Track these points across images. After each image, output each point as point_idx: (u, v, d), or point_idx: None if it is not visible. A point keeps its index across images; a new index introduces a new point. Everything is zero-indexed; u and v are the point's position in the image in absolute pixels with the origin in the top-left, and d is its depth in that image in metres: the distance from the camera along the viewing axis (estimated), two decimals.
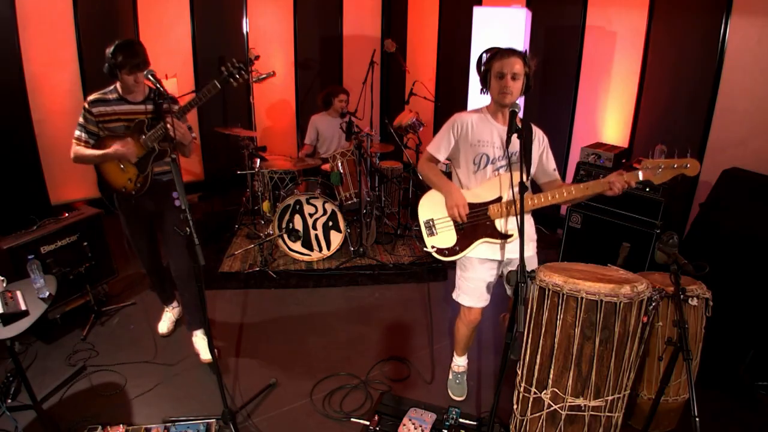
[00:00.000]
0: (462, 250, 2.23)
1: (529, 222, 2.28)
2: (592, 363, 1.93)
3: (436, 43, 5.66)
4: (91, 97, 2.45)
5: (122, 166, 2.51)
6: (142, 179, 2.53)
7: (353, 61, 5.98)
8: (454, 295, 2.40)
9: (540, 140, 2.27)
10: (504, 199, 2.18)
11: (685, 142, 3.60)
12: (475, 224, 2.21)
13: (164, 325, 3.05)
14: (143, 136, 2.45)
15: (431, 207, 2.29)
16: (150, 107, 2.47)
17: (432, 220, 2.27)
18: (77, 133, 2.47)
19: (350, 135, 4.06)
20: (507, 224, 2.18)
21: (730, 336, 2.70)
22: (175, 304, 3.12)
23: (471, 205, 2.19)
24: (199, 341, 2.80)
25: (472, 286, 2.31)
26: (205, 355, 2.73)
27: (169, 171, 2.57)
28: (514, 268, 1.93)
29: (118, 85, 2.45)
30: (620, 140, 4.03)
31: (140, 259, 2.84)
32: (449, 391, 2.62)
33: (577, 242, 3.66)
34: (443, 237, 2.25)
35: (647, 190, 3.26)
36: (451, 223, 2.24)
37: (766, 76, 3.15)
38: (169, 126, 2.23)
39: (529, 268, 1.93)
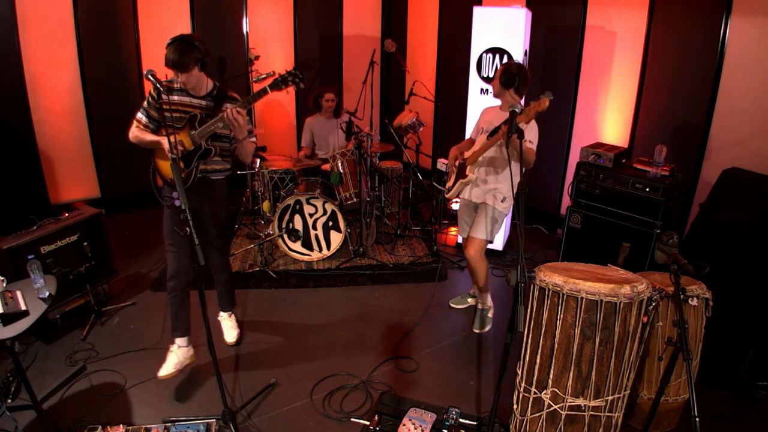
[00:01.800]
0: (451, 188, 3.08)
1: (490, 177, 2.94)
2: (592, 363, 1.93)
3: (436, 43, 5.66)
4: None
5: None
6: (186, 174, 2.48)
7: (353, 61, 5.99)
8: None
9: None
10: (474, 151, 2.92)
11: (685, 142, 3.61)
12: (460, 170, 3.00)
13: (167, 367, 2.58)
14: (193, 131, 2.41)
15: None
16: (209, 103, 2.46)
17: (451, 172, 3.16)
18: (138, 115, 2.46)
19: (350, 135, 4.06)
20: (472, 168, 2.92)
21: (730, 336, 2.70)
22: (183, 342, 2.66)
23: (464, 159, 2.98)
24: (223, 322, 3.05)
25: (459, 222, 3.25)
26: (227, 337, 2.98)
27: (220, 170, 2.62)
28: (476, 213, 3.03)
29: None
30: (620, 140, 4.03)
31: (171, 259, 2.58)
32: (450, 300, 3.50)
33: (577, 242, 3.66)
34: (450, 181, 3.12)
35: (647, 190, 3.26)
36: (454, 170, 3.09)
37: (766, 76, 3.15)
38: (229, 114, 2.28)
39: (480, 215, 2.99)
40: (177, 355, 2.62)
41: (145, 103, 2.45)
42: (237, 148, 2.57)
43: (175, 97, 2.42)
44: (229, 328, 3.02)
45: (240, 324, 3.11)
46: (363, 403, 2.53)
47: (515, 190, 2.28)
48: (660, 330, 2.23)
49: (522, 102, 2.89)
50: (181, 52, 2.28)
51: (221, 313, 3.06)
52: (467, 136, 4.02)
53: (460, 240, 4.25)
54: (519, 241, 1.79)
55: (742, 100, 3.27)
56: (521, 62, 2.81)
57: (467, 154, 2.96)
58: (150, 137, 2.45)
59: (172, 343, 2.66)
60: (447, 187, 3.17)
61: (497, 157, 2.88)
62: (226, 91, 2.53)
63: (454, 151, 3.11)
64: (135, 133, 2.46)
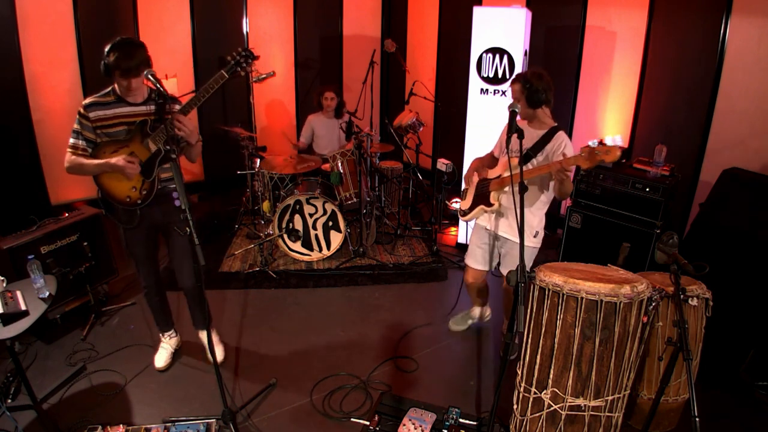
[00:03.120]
0: (468, 212, 2.79)
1: (526, 214, 2.57)
2: (592, 363, 1.93)
3: (436, 43, 5.66)
4: (86, 101, 2.24)
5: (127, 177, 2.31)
6: (148, 186, 2.32)
7: (353, 61, 5.99)
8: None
9: (558, 142, 2.50)
10: (501, 177, 2.64)
11: (685, 142, 3.61)
12: (481, 194, 2.73)
13: (161, 358, 2.76)
14: (147, 138, 2.25)
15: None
16: (152, 108, 2.28)
17: (467, 189, 2.88)
18: (72, 141, 2.25)
19: (350, 135, 4.06)
20: (496, 195, 2.65)
21: (730, 336, 2.70)
22: (172, 333, 2.84)
23: (486, 180, 2.70)
24: (205, 340, 2.83)
25: (470, 249, 2.88)
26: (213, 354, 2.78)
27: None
28: (504, 249, 2.71)
29: (116, 85, 2.27)
30: (620, 140, 4.03)
31: (141, 277, 2.62)
32: (450, 321, 3.18)
33: (577, 242, 3.66)
34: (466, 201, 2.85)
35: (647, 190, 3.26)
36: (473, 192, 2.80)
37: (766, 76, 3.15)
38: (177, 123, 2.12)
39: (516, 254, 2.42)
40: (170, 345, 2.82)
41: (77, 126, 2.23)
42: (185, 149, 2.40)
43: (116, 110, 2.25)
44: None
45: (240, 324, 3.11)
46: (363, 403, 2.52)
47: (514, 190, 2.18)
48: (660, 330, 2.23)
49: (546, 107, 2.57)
50: (132, 55, 2.12)
51: (200, 333, 2.88)
52: (467, 136, 4.04)
53: (461, 240, 4.18)
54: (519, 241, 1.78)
55: (742, 100, 3.27)
56: (530, 67, 2.48)
57: (491, 174, 2.68)
58: (95, 161, 2.24)
59: (162, 335, 2.83)
60: (462, 207, 2.87)
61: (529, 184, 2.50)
62: (164, 93, 2.26)
63: (475, 163, 2.79)
64: (74, 161, 2.24)
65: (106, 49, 2.14)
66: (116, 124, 2.26)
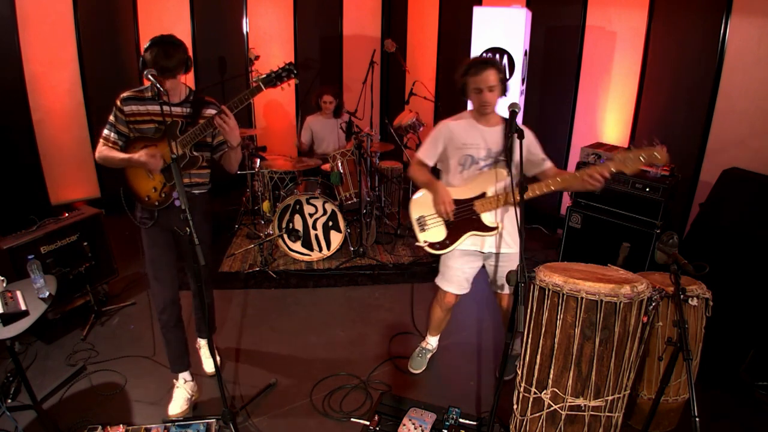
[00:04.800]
0: (452, 243, 2.42)
1: (512, 220, 2.39)
2: (592, 363, 1.93)
3: (436, 43, 5.66)
4: (124, 94, 2.19)
5: (150, 172, 2.26)
6: (168, 189, 2.24)
7: (353, 61, 5.99)
8: (437, 280, 2.61)
9: (528, 134, 2.33)
10: (488, 195, 2.35)
11: (685, 142, 3.61)
12: (462, 219, 2.38)
13: (176, 404, 2.40)
14: (175, 140, 2.15)
15: (422, 205, 2.47)
16: (188, 110, 2.23)
17: (423, 216, 2.46)
18: (106, 132, 2.21)
19: (350, 135, 4.06)
20: (492, 217, 2.37)
21: (730, 336, 2.70)
22: (187, 375, 2.49)
23: (457, 202, 2.36)
24: (202, 350, 2.80)
25: (453, 275, 2.52)
26: (206, 366, 2.75)
27: (201, 183, 2.39)
28: (493, 263, 2.44)
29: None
30: (620, 140, 4.03)
31: (158, 290, 2.36)
32: (409, 363, 2.79)
33: (577, 242, 3.66)
34: (434, 232, 2.45)
35: (647, 190, 3.26)
36: (441, 219, 2.41)
37: (766, 76, 3.15)
38: (219, 121, 2.09)
39: (512, 266, 2.24)
40: (185, 391, 2.45)
41: (112, 117, 2.20)
42: (224, 156, 2.34)
43: (149, 107, 2.18)
44: (206, 357, 2.75)
45: (240, 324, 3.11)
46: (363, 403, 2.52)
47: (515, 191, 2.13)
48: (660, 330, 2.23)
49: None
50: (171, 54, 2.07)
51: (199, 341, 2.79)
52: None
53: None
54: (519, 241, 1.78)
55: (742, 100, 3.27)
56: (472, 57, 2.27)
57: (464, 193, 2.36)
58: (120, 155, 2.19)
59: (176, 378, 2.48)
60: (431, 240, 2.43)
61: (507, 184, 2.32)
62: (202, 97, 2.30)
63: (445, 196, 2.31)
64: (103, 152, 2.21)
65: (146, 45, 2.09)
66: (147, 121, 2.20)
